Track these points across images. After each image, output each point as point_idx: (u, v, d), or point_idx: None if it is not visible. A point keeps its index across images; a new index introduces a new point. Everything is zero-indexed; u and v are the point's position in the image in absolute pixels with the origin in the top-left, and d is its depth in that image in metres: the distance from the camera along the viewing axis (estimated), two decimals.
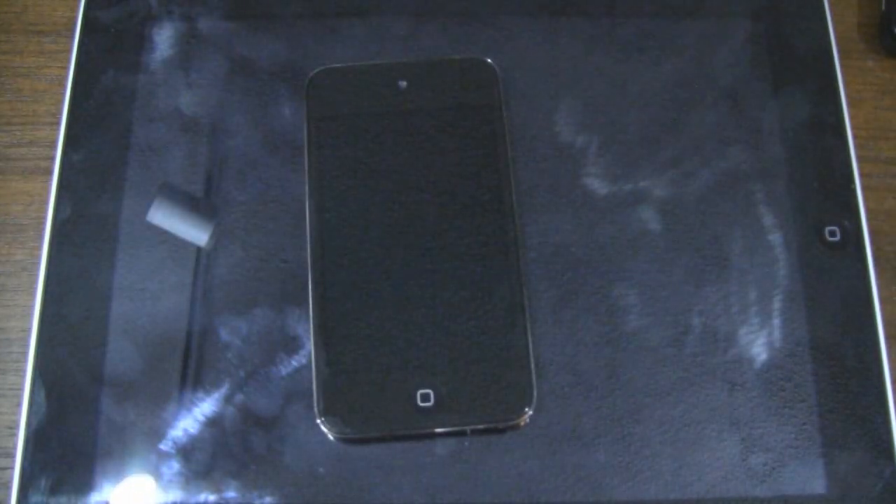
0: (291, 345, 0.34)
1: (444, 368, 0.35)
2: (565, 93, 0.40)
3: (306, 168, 0.37)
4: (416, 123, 0.37)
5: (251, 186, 0.36)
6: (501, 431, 0.35)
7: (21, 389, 0.33)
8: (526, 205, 0.38)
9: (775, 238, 0.38)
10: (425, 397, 0.35)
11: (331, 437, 0.34)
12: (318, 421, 0.34)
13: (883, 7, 0.44)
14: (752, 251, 0.38)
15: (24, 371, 0.33)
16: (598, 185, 0.39)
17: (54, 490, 0.32)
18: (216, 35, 0.38)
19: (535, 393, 0.35)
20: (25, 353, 0.34)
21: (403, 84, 0.36)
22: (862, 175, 0.39)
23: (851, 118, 0.40)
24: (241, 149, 0.36)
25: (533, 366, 0.35)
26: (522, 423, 0.35)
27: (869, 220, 0.39)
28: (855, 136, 0.40)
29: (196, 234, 0.33)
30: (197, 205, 0.34)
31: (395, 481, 0.34)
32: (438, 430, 0.35)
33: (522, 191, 0.38)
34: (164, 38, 0.39)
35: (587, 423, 0.36)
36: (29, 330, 0.34)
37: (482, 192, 0.36)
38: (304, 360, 0.34)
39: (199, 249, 0.34)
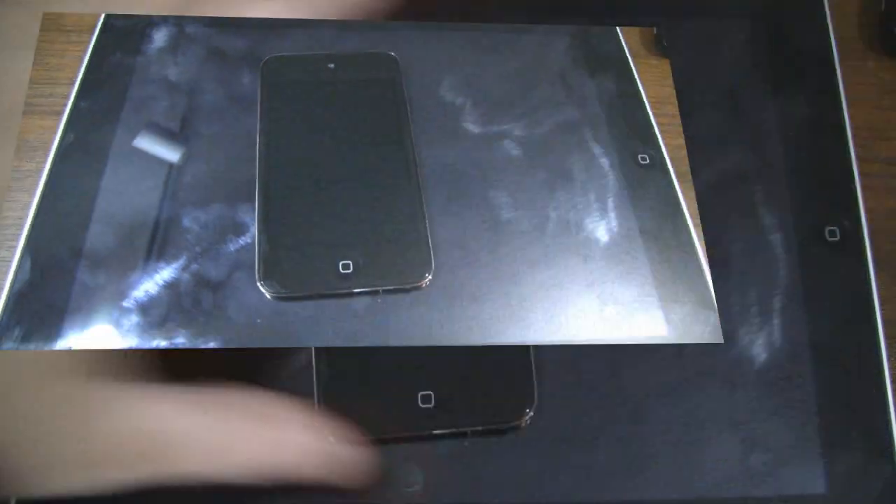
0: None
1: (444, 370, 0.35)
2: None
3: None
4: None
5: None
6: (502, 432, 0.35)
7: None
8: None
9: (775, 238, 0.38)
10: (426, 399, 0.35)
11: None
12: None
13: (883, 7, 0.44)
14: (752, 251, 0.38)
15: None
16: None
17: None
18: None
19: (535, 393, 0.35)
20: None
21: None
22: (862, 175, 0.39)
23: (851, 118, 0.40)
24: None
25: (533, 366, 0.35)
26: (523, 424, 0.35)
27: (869, 219, 0.39)
28: (855, 136, 0.40)
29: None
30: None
31: (394, 479, 0.34)
32: (439, 431, 0.35)
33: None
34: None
35: (587, 423, 0.36)
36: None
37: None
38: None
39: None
